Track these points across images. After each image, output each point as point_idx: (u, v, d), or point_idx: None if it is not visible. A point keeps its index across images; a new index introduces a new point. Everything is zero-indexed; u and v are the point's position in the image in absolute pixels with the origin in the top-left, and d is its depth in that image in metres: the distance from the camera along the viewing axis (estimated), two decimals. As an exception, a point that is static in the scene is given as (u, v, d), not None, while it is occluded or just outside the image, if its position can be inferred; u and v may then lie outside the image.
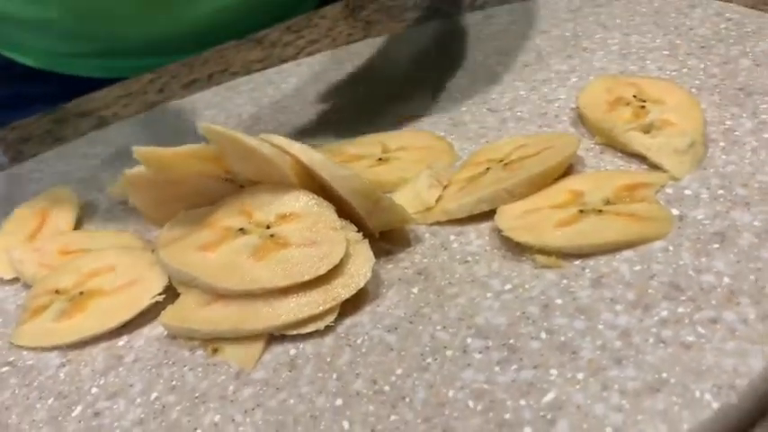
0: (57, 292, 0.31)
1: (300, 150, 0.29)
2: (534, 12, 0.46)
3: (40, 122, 0.54)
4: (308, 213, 0.29)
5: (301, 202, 0.30)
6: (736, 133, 0.32)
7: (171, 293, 0.30)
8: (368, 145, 0.37)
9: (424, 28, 0.49)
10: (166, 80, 0.55)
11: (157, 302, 0.30)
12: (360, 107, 0.42)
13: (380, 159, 0.36)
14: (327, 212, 0.29)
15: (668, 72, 0.37)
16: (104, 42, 0.58)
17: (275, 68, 0.50)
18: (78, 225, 0.38)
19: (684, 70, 0.37)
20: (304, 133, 0.41)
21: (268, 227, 0.30)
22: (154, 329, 0.30)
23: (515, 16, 0.47)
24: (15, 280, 0.35)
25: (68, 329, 0.30)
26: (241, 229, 0.30)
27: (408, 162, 0.35)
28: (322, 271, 0.27)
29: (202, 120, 0.45)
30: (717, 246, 0.27)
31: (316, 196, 0.30)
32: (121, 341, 0.30)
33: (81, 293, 0.31)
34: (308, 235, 0.29)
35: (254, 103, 0.45)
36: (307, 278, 0.27)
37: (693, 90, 0.35)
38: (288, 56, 0.53)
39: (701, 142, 0.31)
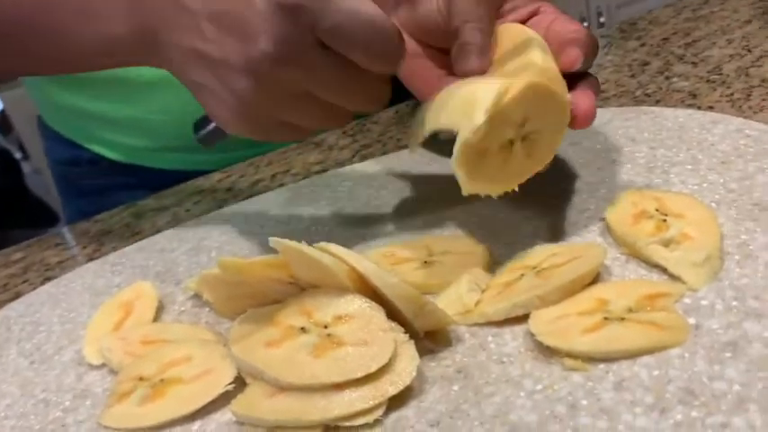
0: (140, 378, 0.36)
1: (355, 260, 0.34)
2: (568, 124, 0.51)
3: (121, 216, 0.60)
4: (361, 315, 0.34)
5: (355, 305, 0.34)
6: (751, 247, 0.35)
7: (240, 383, 0.34)
8: (415, 248, 0.41)
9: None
10: (234, 179, 0.60)
11: (228, 391, 0.34)
12: (406, 210, 0.47)
13: (426, 262, 0.40)
14: (378, 315, 0.33)
15: (690, 186, 0.41)
16: (182, 139, 0.65)
17: (332, 172, 0.55)
18: (156, 315, 0.42)
19: (705, 185, 0.40)
20: (357, 234, 0.46)
21: (326, 327, 0.34)
22: (224, 415, 0.34)
23: (551, 128, 0.51)
24: (102, 366, 0.39)
25: (150, 414, 0.34)
26: (302, 328, 0.34)
27: (450, 266, 0.39)
28: (373, 369, 0.31)
29: (267, 220, 0.50)
30: (729, 354, 0.30)
31: (368, 300, 0.34)
32: (195, 426, 0.34)
33: (161, 381, 0.35)
34: (361, 335, 0.33)
35: (313, 205, 0.50)
36: (359, 375, 0.31)
37: (713, 204, 0.39)
38: (344, 158, 0.58)
39: (717, 256, 0.35)
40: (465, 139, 0.34)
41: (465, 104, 0.35)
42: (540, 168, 0.38)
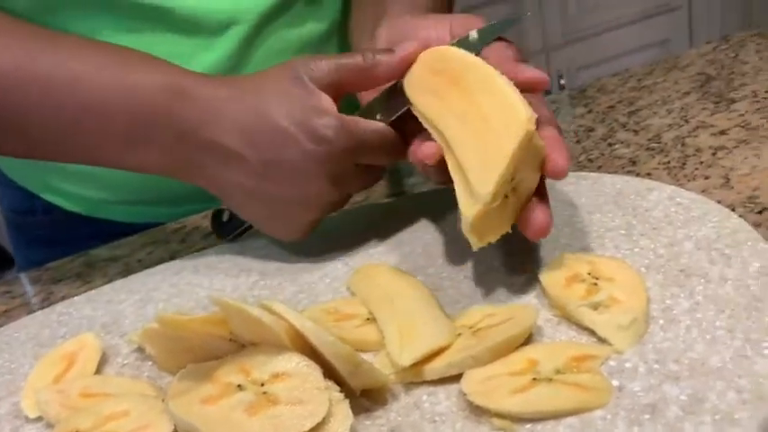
0: (76, 433, 0.36)
1: (294, 318, 0.35)
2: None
3: (72, 265, 0.60)
4: (298, 373, 0.34)
5: (292, 363, 0.35)
6: (674, 312, 0.37)
7: (175, 439, 0.34)
8: (358, 306, 0.42)
9: (423, 195, 0.56)
10: (189, 231, 0.61)
11: (163, 447, 0.34)
12: (353, 266, 0.48)
13: (368, 319, 0.41)
14: (315, 373, 0.34)
15: (623, 251, 0.43)
16: (140, 193, 0.65)
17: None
18: (99, 368, 0.42)
19: (636, 250, 0.42)
20: (303, 289, 0.46)
21: (262, 384, 0.34)
22: (157, 472, 0.34)
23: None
24: (39, 419, 0.39)
25: (83, 469, 0.34)
26: (239, 386, 0.34)
27: (392, 324, 0.40)
28: (306, 428, 0.32)
29: (217, 273, 0.51)
30: (648, 416, 0.31)
31: (305, 358, 0.35)
32: (128, 482, 0.34)
33: (97, 436, 0.35)
34: (296, 394, 0.33)
35: (262, 259, 0.51)
36: (292, 434, 0.32)
37: (642, 269, 0.40)
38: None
39: (643, 320, 0.36)
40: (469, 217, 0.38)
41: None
42: (523, 203, 0.40)
